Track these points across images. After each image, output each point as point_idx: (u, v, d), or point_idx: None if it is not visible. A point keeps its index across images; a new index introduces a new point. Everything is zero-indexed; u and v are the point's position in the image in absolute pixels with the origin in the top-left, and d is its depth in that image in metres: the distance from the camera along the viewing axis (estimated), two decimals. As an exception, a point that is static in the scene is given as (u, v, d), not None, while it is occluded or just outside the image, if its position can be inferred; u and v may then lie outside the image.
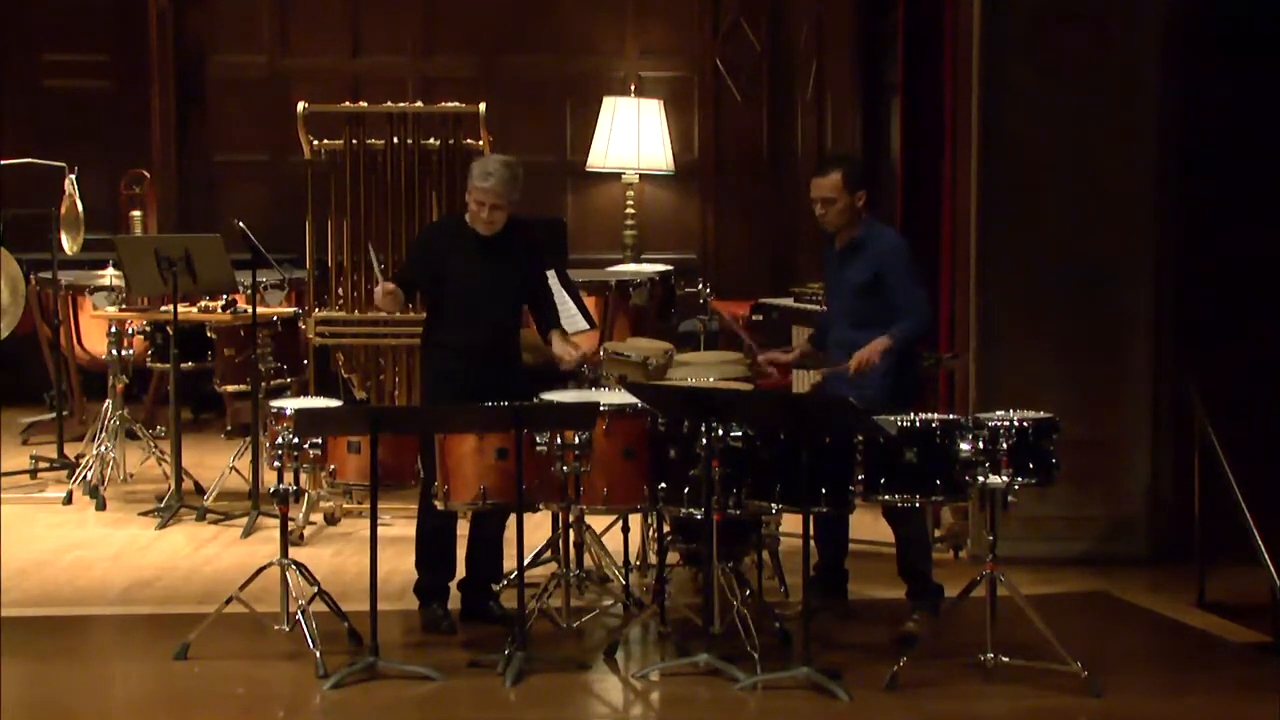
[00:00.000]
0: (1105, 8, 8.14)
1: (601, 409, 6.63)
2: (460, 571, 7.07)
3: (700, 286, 8.66)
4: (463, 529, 7.07)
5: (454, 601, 7.05)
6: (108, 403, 9.46)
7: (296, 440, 6.71)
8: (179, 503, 8.83)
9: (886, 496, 6.41)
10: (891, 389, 6.76)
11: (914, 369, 7.10)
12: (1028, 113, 8.12)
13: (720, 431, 6.42)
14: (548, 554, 7.45)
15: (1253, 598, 7.10)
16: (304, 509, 8.55)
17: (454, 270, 6.95)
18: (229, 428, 10.92)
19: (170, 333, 9.01)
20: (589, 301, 9.32)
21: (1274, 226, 8.11)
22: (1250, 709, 6.16)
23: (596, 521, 7.56)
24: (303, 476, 7.05)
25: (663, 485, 6.64)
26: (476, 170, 6.93)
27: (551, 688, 6.32)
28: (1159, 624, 7.26)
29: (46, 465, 9.83)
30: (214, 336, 9.19)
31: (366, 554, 6.48)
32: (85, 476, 9.32)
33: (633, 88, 12.77)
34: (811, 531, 6.35)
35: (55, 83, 12.89)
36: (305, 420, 6.64)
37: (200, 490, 9.23)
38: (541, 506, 6.87)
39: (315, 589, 6.74)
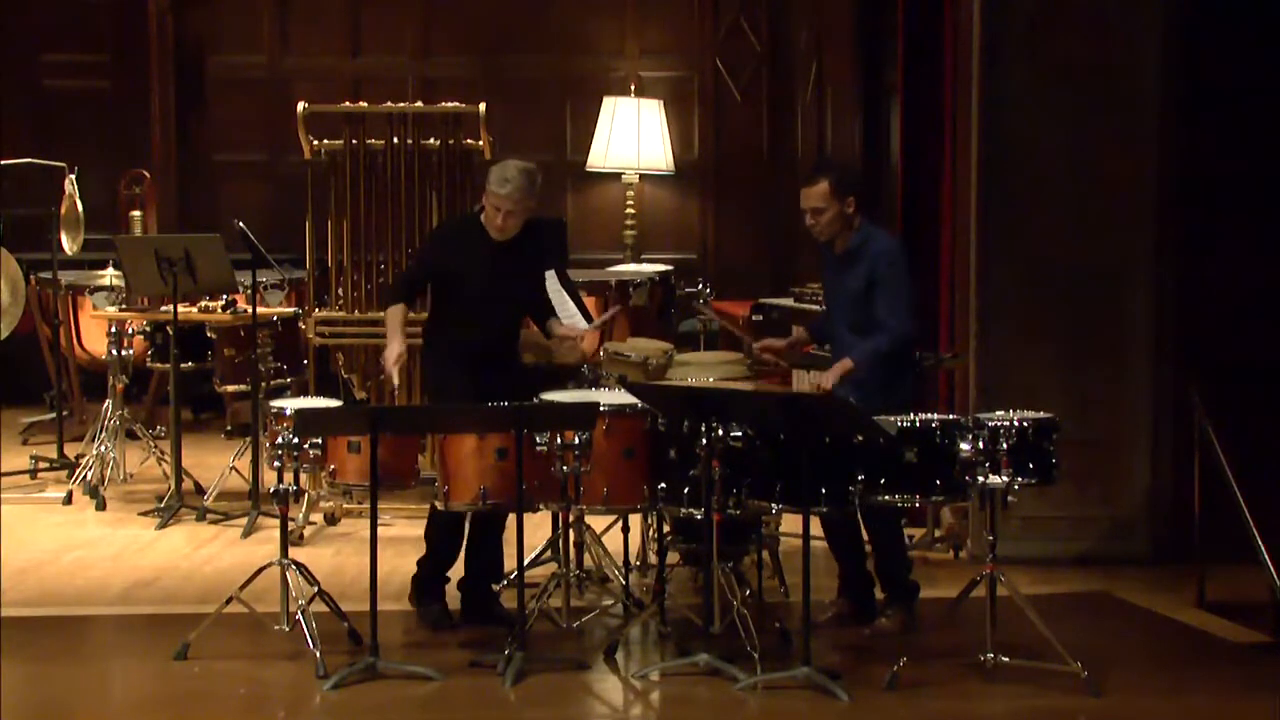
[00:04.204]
0: (1105, 8, 8.14)
1: (601, 409, 6.63)
2: (460, 571, 7.07)
3: (700, 286, 8.64)
4: (463, 529, 7.08)
5: (454, 601, 7.05)
6: (108, 403, 9.46)
7: (296, 440, 6.70)
8: (179, 503, 8.83)
9: (886, 496, 6.41)
10: (884, 398, 6.65)
11: (907, 377, 6.97)
12: (1028, 113, 8.12)
13: (720, 431, 6.42)
14: (548, 554, 7.44)
15: (1253, 598, 7.11)
16: (304, 509, 8.55)
17: (464, 271, 6.92)
18: (229, 428, 10.91)
19: (170, 333, 9.00)
20: (589, 301, 9.32)
21: (1274, 227, 8.11)
22: (1250, 709, 6.16)
23: (596, 521, 7.56)
24: (303, 476, 7.05)
25: (663, 485, 6.64)
26: (494, 176, 6.85)
27: (551, 688, 6.32)
28: (1159, 624, 7.25)
29: (46, 465, 9.83)
30: (214, 336, 9.19)
31: (366, 554, 6.48)
32: (85, 476, 9.32)
33: (633, 88, 12.76)
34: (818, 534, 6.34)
35: (55, 83, 12.88)
36: (305, 420, 6.63)
37: (200, 490, 9.22)
38: (541, 506, 6.86)
39: (315, 589, 6.74)
